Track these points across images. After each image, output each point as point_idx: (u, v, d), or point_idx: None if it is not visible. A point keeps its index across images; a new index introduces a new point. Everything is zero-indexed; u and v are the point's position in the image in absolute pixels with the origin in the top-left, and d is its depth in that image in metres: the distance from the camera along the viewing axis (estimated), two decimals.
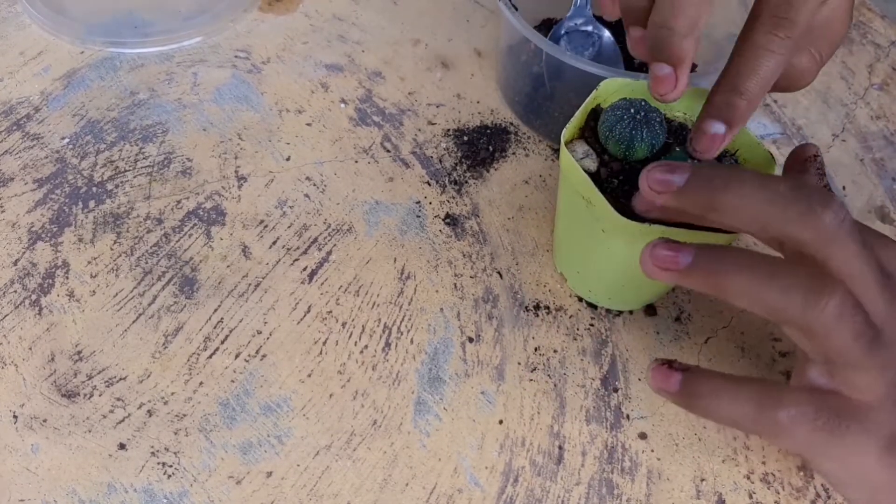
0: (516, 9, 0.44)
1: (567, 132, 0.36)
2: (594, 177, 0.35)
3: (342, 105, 0.50)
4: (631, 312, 0.42)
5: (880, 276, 0.28)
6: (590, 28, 0.49)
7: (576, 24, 0.49)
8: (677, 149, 0.35)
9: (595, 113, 0.38)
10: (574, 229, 0.39)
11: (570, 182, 0.36)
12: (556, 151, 0.49)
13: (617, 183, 0.36)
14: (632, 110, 0.35)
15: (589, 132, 0.37)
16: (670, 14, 0.33)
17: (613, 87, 0.38)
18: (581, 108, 0.37)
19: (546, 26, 0.52)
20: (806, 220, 0.27)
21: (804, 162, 0.34)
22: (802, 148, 0.35)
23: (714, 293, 0.28)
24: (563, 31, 0.49)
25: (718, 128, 0.32)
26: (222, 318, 0.40)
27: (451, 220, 0.45)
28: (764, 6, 0.33)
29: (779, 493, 0.36)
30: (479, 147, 0.48)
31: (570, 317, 0.41)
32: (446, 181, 0.47)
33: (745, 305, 0.28)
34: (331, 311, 0.41)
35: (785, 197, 0.27)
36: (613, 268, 0.38)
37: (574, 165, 0.35)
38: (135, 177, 0.45)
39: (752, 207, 0.27)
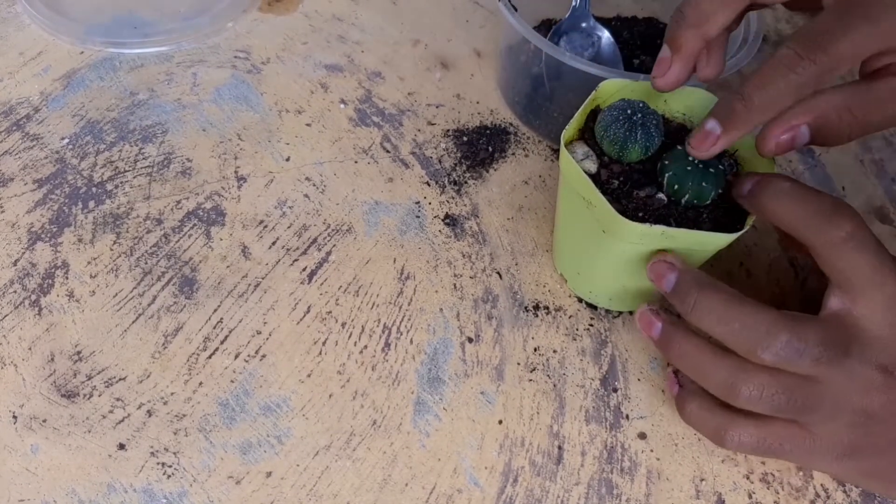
0: (516, 9, 0.44)
1: (567, 133, 0.36)
2: (594, 178, 0.35)
3: (342, 105, 0.50)
4: (631, 313, 0.42)
5: (813, 354, 0.31)
6: (590, 28, 0.49)
7: (575, 25, 0.49)
8: (678, 147, 0.35)
9: (595, 114, 0.38)
10: (574, 230, 0.39)
11: (571, 183, 0.36)
12: (556, 152, 0.49)
13: (617, 184, 0.36)
14: (628, 111, 0.35)
15: (589, 133, 0.37)
16: (687, 1, 0.33)
17: (613, 88, 0.38)
18: (581, 109, 0.37)
19: (546, 26, 0.52)
20: (755, 358, 0.31)
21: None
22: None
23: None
24: (562, 32, 0.49)
25: (713, 126, 0.33)
26: (222, 319, 0.40)
27: (451, 221, 0.45)
28: (807, 25, 0.31)
29: (778, 492, 0.36)
30: (479, 147, 0.48)
31: (570, 317, 0.41)
32: (446, 181, 0.47)
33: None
34: (330, 312, 0.41)
35: (739, 335, 0.32)
36: (614, 269, 0.38)
37: (574, 166, 0.35)
38: (134, 177, 0.45)
39: (715, 333, 0.32)
